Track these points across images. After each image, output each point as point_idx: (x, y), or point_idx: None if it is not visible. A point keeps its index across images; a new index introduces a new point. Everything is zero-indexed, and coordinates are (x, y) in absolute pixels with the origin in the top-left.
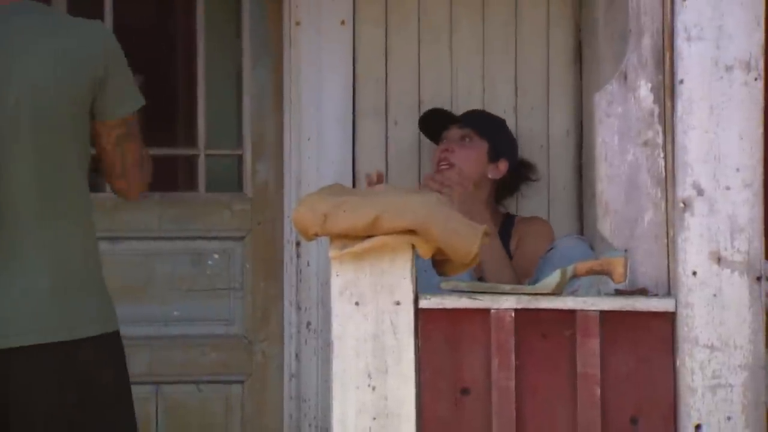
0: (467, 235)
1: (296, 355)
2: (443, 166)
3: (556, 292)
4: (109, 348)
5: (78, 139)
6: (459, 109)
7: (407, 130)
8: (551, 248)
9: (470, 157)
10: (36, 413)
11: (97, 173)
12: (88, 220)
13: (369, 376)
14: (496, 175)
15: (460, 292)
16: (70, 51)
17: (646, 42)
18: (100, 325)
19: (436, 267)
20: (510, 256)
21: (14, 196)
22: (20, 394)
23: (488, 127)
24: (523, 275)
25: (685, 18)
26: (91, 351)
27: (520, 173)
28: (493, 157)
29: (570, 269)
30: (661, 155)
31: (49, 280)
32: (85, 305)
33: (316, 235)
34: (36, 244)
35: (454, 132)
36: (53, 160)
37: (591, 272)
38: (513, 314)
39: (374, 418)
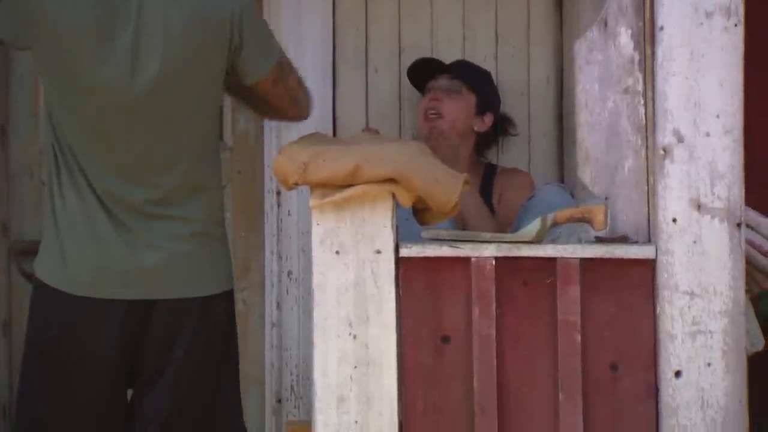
0: (447, 184)
1: (277, 304)
2: (432, 115)
3: (537, 240)
4: (230, 303)
5: (209, 104)
6: (440, 57)
7: (388, 78)
8: (532, 196)
9: (459, 108)
10: (168, 361)
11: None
12: (217, 183)
13: (350, 324)
14: (482, 128)
15: (441, 240)
16: (204, 18)
17: None
18: (226, 282)
19: (417, 216)
20: (492, 210)
21: (145, 159)
22: (155, 342)
23: (477, 80)
24: (506, 228)
25: None
26: (219, 306)
27: (502, 127)
28: (480, 110)
29: (550, 217)
30: (642, 102)
31: (185, 239)
32: (214, 264)
33: (297, 184)
34: (167, 204)
35: (443, 82)
36: (184, 125)
37: (571, 220)
38: (493, 262)
39: (355, 367)
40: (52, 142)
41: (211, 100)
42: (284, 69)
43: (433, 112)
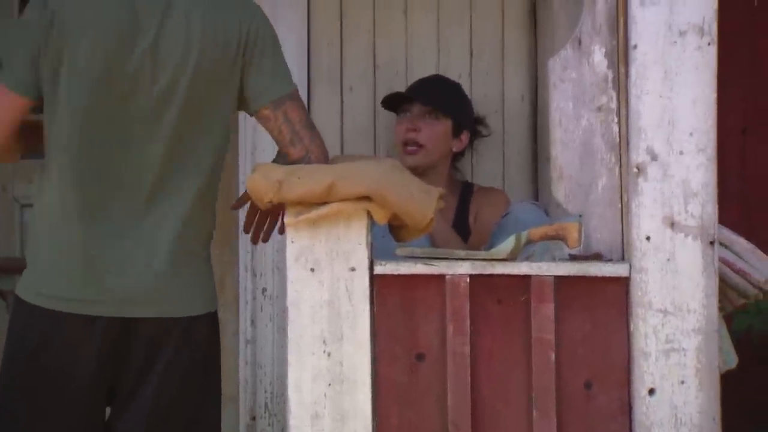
0: (422, 200)
1: (252, 321)
2: (412, 149)
3: (511, 257)
4: (214, 324)
5: (216, 121)
6: (414, 74)
7: (362, 95)
8: (506, 213)
9: (437, 135)
10: (148, 379)
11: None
12: (208, 200)
13: (324, 342)
14: (459, 148)
15: (416, 258)
16: (221, 31)
17: (600, 7)
18: (210, 303)
19: (393, 233)
20: (468, 229)
21: (142, 170)
22: (137, 361)
23: (451, 104)
24: (481, 246)
25: None
26: (202, 327)
27: (475, 131)
28: (457, 131)
29: (524, 235)
30: (615, 120)
31: (169, 256)
32: (198, 283)
33: (271, 202)
34: (157, 220)
35: (418, 108)
36: (187, 140)
37: (545, 237)
38: (468, 280)
39: (329, 384)
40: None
41: (221, 116)
42: (293, 103)
43: (413, 144)
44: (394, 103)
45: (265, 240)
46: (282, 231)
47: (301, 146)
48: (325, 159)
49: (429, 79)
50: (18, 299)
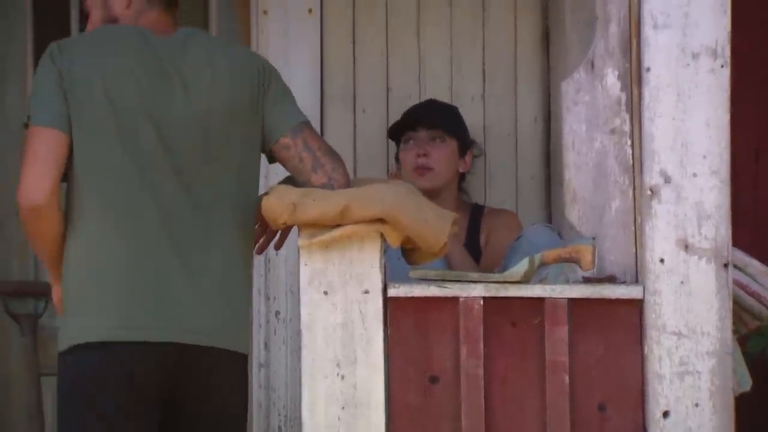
0: (436, 224)
1: (265, 345)
2: (423, 172)
3: (525, 280)
4: (246, 368)
5: (254, 152)
6: (427, 97)
7: (375, 118)
8: (519, 236)
9: (447, 157)
10: (205, 412)
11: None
12: (250, 230)
13: (338, 365)
14: (465, 169)
15: (429, 280)
16: (237, 73)
17: (613, 29)
18: (247, 344)
19: (406, 256)
20: (479, 251)
21: (179, 204)
22: (198, 389)
23: (454, 125)
24: (493, 269)
25: (651, 5)
26: (246, 366)
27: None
28: (462, 152)
29: (538, 257)
30: (629, 143)
31: (223, 294)
32: (245, 325)
33: (285, 224)
34: (207, 249)
35: (424, 133)
36: (225, 174)
37: (559, 260)
38: (482, 302)
39: (343, 407)
40: (75, 191)
41: (256, 147)
42: (312, 129)
43: (424, 167)
44: (396, 132)
45: (258, 253)
46: (278, 247)
47: (323, 173)
48: (346, 179)
49: (426, 104)
50: (62, 354)
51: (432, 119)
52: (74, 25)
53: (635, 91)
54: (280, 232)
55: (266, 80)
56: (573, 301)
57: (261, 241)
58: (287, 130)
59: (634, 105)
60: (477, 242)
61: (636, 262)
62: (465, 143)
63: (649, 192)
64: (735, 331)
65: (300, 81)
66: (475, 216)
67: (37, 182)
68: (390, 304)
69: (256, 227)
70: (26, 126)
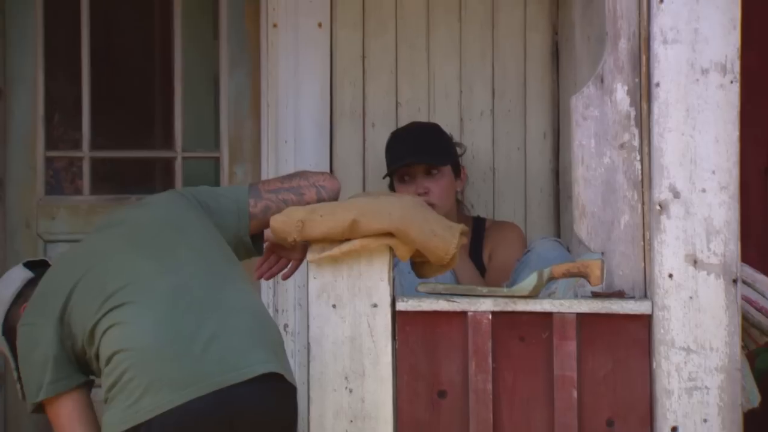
0: (444, 237)
1: None
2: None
3: (533, 294)
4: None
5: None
6: (436, 112)
7: (384, 132)
8: (528, 251)
9: (445, 187)
10: None
11: None
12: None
13: (346, 378)
14: (462, 187)
15: (438, 294)
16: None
17: (623, 45)
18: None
19: (416, 269)
20: (483, 266)
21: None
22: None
23: (445, 153)
24: (498, 284)
25: (661, 21)
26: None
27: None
28: (457, 173)
29: (547, 272)
30: (638, 158)
31: (263, 333)
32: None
33: (296, 241)
34: (229, 307)
35: (417, 169)
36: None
37: (568, 275)
38: (490, 317)
39: (351, 421)
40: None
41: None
42: (259, 182)
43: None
44: (388, 166)
45: (268, 278)
46: (285, 277)
47: (307, 190)
48: (332, 179)
49: (410, 134)
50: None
51: (422, 153)
52: (84, 30)
53: (644, 107)
54: (291, 262)
55: (204, 206)
56: (581, 316)
57: (272, 268)
58: (246, 204)
59: (643, 120)
60: (480, 257)
61: (645, 277)
62: (457, 162)
63: (658, 207)
64: (743, 347)
65: (310, 96)
66: (477, 230)
67: None
68: (398, 318)
69: (265, 245)
70: None
